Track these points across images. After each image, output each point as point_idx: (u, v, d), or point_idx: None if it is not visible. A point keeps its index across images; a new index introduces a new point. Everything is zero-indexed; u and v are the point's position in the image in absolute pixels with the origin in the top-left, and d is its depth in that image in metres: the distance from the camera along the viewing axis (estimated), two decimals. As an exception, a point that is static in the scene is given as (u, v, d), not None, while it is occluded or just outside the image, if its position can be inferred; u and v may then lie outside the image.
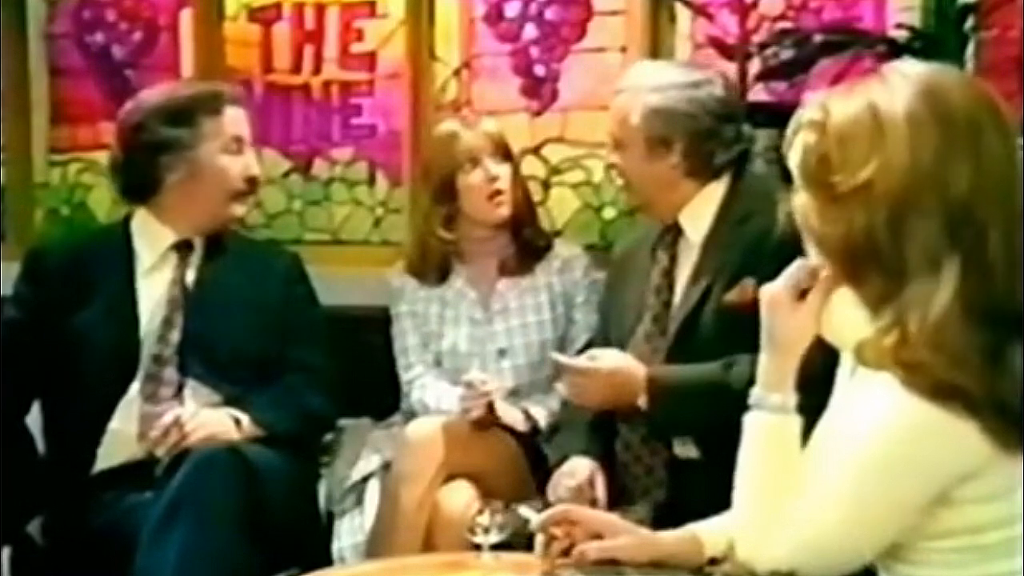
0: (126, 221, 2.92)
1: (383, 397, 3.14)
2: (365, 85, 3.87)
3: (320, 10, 3.88)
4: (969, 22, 3.05)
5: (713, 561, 1.87)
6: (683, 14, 3.50)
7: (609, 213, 3.66)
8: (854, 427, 1.58)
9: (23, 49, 4.07)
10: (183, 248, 2.86)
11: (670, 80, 2.64)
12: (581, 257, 3.12)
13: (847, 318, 1.65)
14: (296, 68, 3.92)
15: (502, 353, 3.04)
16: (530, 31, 3.70)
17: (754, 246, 2.46)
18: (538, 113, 3.68)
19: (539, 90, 3.70)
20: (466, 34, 3.74)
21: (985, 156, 1.56)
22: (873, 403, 1.56)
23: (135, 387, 2.74)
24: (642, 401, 2.53)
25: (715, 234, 2.58)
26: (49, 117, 4.11)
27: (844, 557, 1.62)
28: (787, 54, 3.16)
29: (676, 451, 2.58)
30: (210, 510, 2.44)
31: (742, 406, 1.77)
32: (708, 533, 1.87)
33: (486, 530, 2.17)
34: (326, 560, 2.79)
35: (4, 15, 4.02)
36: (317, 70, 3.90)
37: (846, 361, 1.73)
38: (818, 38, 3.15)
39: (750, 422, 1.73)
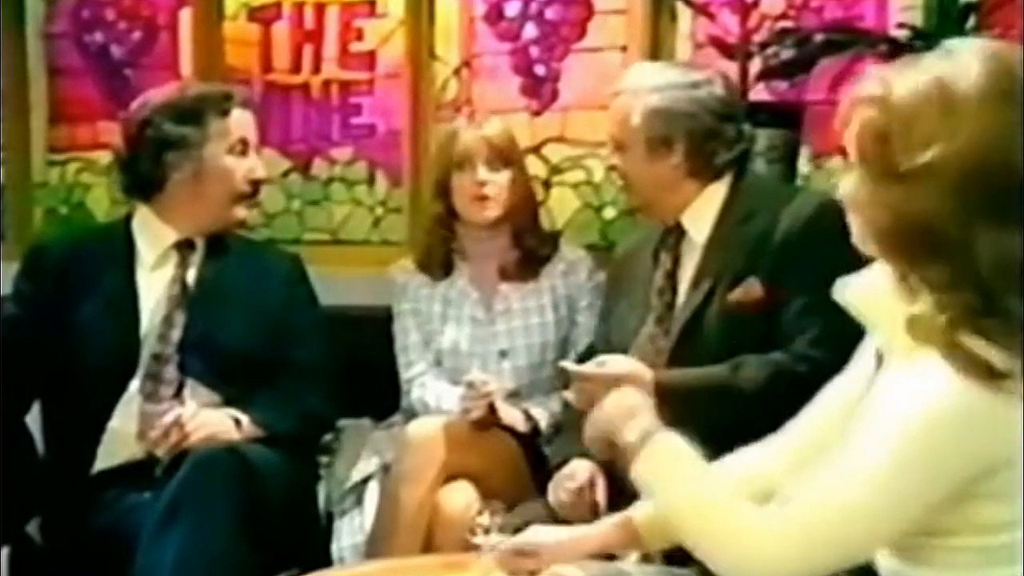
0: (127, 219, 2.92)
1: (383, 397, 3.14)
2: (365, 85, 3.86)
3: (320, 9, 3.88)
4: (970, 21, 3.05)
5: None
6: (684, 13, 3.50)
7: (609, 213, 3.65)
8: (896, 410, 1.54)
9: (22, 48, 4.07)
10: (184, 247, 2.85)
11: (670, 80, 2.63)
12: (585, 260, 3.11)
13: (883, 298, 1.61)
14: (295, 68, 3.92)
15: (503, 354, 3.03)
16: (530, 30, 3.70)
17: (757, 246, 2.46)
18: (538, 113, 3.68)
19: (539, 89, 3.70)
20: (466, 33, 3.73)
21: None
22: (920, 385, 1.52)
23: (135, 385, 2.74)
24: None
25: (717, 234, 2.57)
26: (48, 116, 4.11)
27: (861, 543, 1.58)
28: (788, 53, 3.16)
29: None
30: (210, 510, 2.44)
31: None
32: (645, 519, 1.82)
33: (486, 531, 2.17)
34: (326, 560, 2.79)
35: (3, 14, 4.02)
36: (317, 69, 3.90)
37: (870, 344, 1.71)
38: (819, 37, 3.14)
39: None
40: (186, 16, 3.97)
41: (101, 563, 2.58)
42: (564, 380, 2.64)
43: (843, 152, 1.65)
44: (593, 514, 2.56)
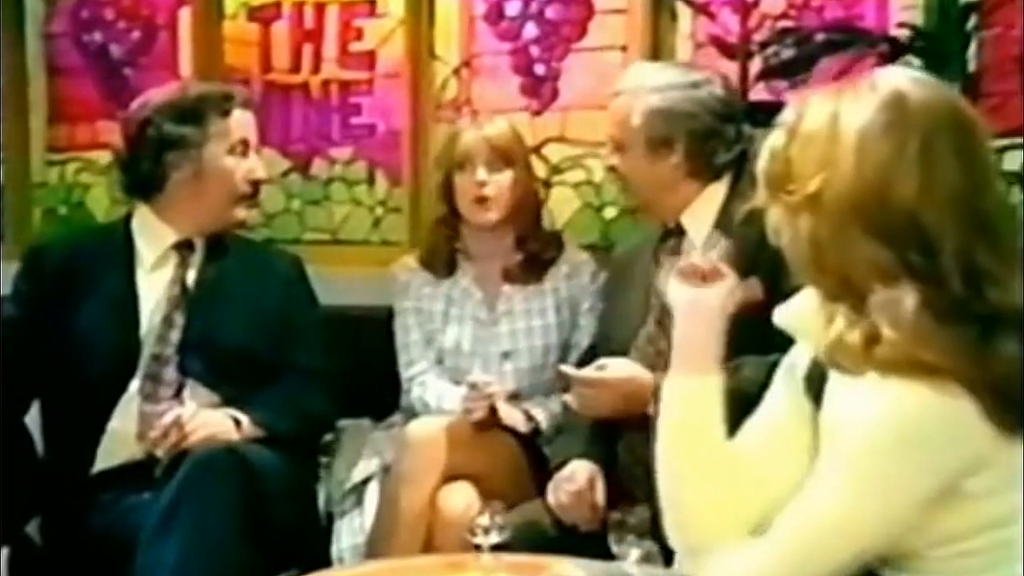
0: (127, 219, 2.91)
1: (383, 397, 3.13)
2: (364, 84, 3.86)
3: (319, 9, 3.88)
4: (971, 21, 3.04)
5: None
6: (684, 13, 3.49)
7: (610, 213, 3.65)
8: (848, 430, 1.55)
9: (21, 48, 4.07)
10: (184, 248, 2.85)
11: (670, 80, 2.63)
12: (589, 263, 3.10)
13: (814, 318, 1.64)
14: (295, 67, 3.91)
15: (505, 355, 3.03)
16: (530, 30, 3.69)
17: (757, 246, 2.45)
18: (538, 112, 3.67)
19: (539, 89, 3.69)
20: (466, 33, 3.73)
21: (937, 171, 1.55)
22: (863, 401, 1.54)
23: (134, 386, 2.73)
24: (652, 409, 2.51)
25: (717, 235, 2.57)
26: (47, 116, 4.11)
27: (844, 562, 1.58)
28: (788, 53, 3.15)
29: None
30: (209, 511, 2.44)
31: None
32: None
33: (486, 531, 2.17)
34: (326, 561, 2.79)
35: (2, 14, 4.02)
36: (316, 69, 3.90)
37: (791, 363, 1.73)
38: (820, 37, 3.14)
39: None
40: (185, 15, 3.97)
41: (100, 563, 2.58)
42: (564, 384, 2.64)
43: None
44: (593, 516, 2.56)
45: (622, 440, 2.63)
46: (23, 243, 3.82)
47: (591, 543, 2.45)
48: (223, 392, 2.74)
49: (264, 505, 2.53)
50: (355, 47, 3.86)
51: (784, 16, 3.41)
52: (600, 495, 2.58)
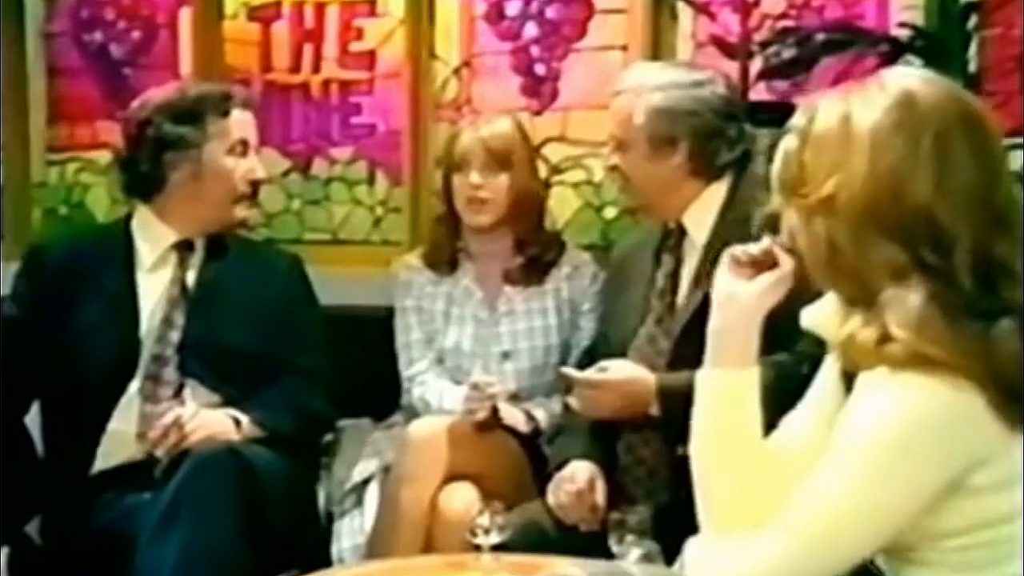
0: (127, 220, 2.91)
1: (383, 397, 3.13)
2: (365, 84, 3.86)
3: (319, 9, 3.87)
4: (971, 21, 3.04)
5: None
6: (685, 12, 3.49)
7: (610, 213, 3.65)
8: (856, 423, 1.56)
9: (21, 48, 4.06)
10: (184, 248, 2.85)
11: (672, 79, 2.63)
12: (590, 264, 3.09)
13: (835, 320, 1.65)
14: (295, 67, 3.91)
15: (506, 355, 3.02)
16: (531, 30, 3.69)
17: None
18: (539, 112, 3.67)
19: (540, 89, 3.69)
20: (466, 33, 3.73)
21: (951, 168, 1.55)
22: (873, 396, 1.55)
23: (134, 387, 2.73)
24: (654, 410, 2.51)
25: (718, 235, 2.57)
26: (47, 116, 4.10)
27: (844, 557, 1.58)
28: (789, 53, 3.15)
29: (680, 452, 2.56)
30: (210, 511, 2.43)
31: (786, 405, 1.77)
32: None
33: (486, 531, 2.17)
34: (326, 561, 2.78)
35: (2, 13, 4.01)
36: (316, 69, 3.89)
37: (832, 364, 1.73)
38: (820, 37, 3.14)
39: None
40: (186, 15, 3.96)
41: (100, 564, 2.57)
42: (566, 385, 2.64)
43: None
44: (593, 516, 2.56)
45: (622, 440, 2.63)
46: (23, 243, 3.82)
47: (591, 543, 2.45)
48: (223, 392, 2.74)
49: (264, 505, 2.53)
50: (355, 47, 3.86)
51: (784, 16, 3.41)
52: (600, 495, 2.58)
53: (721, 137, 2.59)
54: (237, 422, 2.69)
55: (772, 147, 3.01)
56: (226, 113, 2.82)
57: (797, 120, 1.64)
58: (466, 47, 3.74)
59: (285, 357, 2.84)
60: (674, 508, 2.45)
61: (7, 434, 2.72)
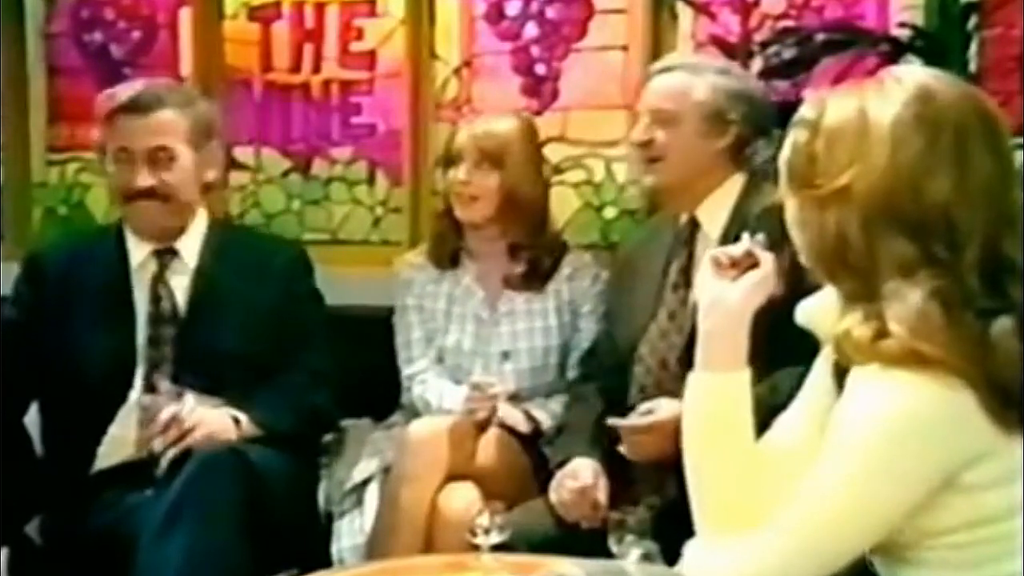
0: (120, 222, 2.90)
1: (383, 397, 3.13)
2: (365, 84, 3.86)
3: (320, 9, 3.87)
4: (972, 21, 3.04)
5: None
6: (685, 12, 3.49)
7: (610, 213, 3.65)
8: (847, 421, 1.56)
9: (21, 48, 4.06)
10: (165, 254, 2.82)
11: (728, 66, 2.71)
12: (591, 266, 3.09)
13: (831, 315, 1.64)
14: (296, 67, 3.91)
15: (505, 356, 3.02)
16: (531, 30, 3.69)
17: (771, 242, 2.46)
18: (539, 112, 3.66)
19: (540, 89, 3.69)
20: (466, 33, 3.73)
21: (970, 165, 1.56)
22: (865, 394, 1.55)
23: (133, 396, 2.73)
24: None
25: (732, 230, 2.56)
26: (47, 116, 4.10)
27: (838, 555, 1.58)
28: (789, 53, 3.15)
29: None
30: (212, 511, 2.43)
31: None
32: None
33: (486, 531, 2.17)
34: (326, 561, 2.78)
35: (2, 14, 4.01)
36: (317, 69, 3.89)
37: (825, 361, 1.73)
38: (820, 37, 3.14)
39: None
40: (186, 15, 3.96)
41: (100, 564, 2.57)
42: (614, 436, 2.60)
43: None
44: (595, 513, 2.56)
45: None
46: (23, 243, 3.83)
47: (591, 543, 2.45)
48: (222, 393, 2.73)
49: (266, 505, 2.53)
50: (355, 47, 3.86)
51: (784, 16, 3.41)
52: (602, 492, 2.58)
53: (766, 133, 2.61)
54: (236, 421, 2.68)
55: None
56: (111, 119, 2.77)
57: (806, 112, 1.64)
58: (466, 47, 3.74)
59: (286, 355, 2.82)
60: (674, 508, 2.46)
61: (6, 435, 2.72)
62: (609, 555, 2.35)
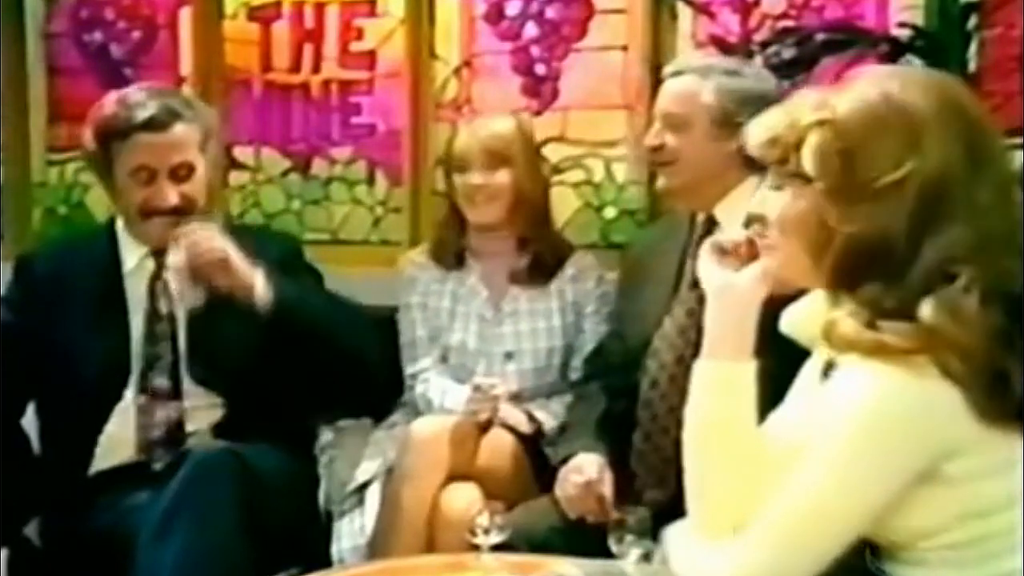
0: (111, 223, 2.88)
1: (384, 397, 3.12)
2: (365, 84, 3.86)
3: (320, 9, 3.87)
4: (971, 21, 3.04)
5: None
6: (685, 12, 3.49)
7: (609, 213, 3.65)
8: (824, 417, 1.57)
9: (21, 48, 4.07)
10: (162, 254, 2.81)
11: (738, 66, 2.68)
12: (595, 267, 3.09)
13: (819, 316, 1.64)
14: (295, 67, 3.91)
15: (509, 356, 3.02)
16: (531, 30, 3.69)
17: None
18: (539, 112, 3.66)
19: (540, 89, 3.69)
20: (466, 33, 3.72)
21: (988, 152, 1.58)
22: (841, 389, 1.56)
23: (129, 394, 2.73)
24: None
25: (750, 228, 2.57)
26: (47, 116, 4.11)
27: (828, 546, 1.58)
28: (789, 53, 3.14)
29: None
30: (210, 512, 2.43)
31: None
32: None
33: (486, 531, 2.17)
34: (326, 561, 2.78)
35: (2, 13, 4.01)
36: (316, 69, 3.89)
37: (814, 364, 1.73)
38: (820, 37, 3.13)
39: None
40: (186, 15, 3.97)
41: (100, 564, 2.57)
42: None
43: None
44: (600, 508, 2.56)
45: (639, 429, 2.63)
46: (23, 243, 3.84)
47: (591, 543, 2.45)
48: (222, 388, 2.74)
49: (264, 505, 2.52)
50: (355, 47, 3.86)
51: (784, 16, 3.41)
52: (608, 487, 2.58)
53: None
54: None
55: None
56: (126, 136, 2.70)
57: (815, 116, 1.61)
58: (466, 47, 3.73)
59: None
60: (676, 505, 2.46)
61: (4, 436, 2.72)
62: (609, 555, 2.35)
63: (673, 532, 1.74)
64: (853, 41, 3.09)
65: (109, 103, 2.76)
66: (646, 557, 2.10)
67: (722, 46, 3.29)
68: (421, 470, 2.77)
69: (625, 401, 2.68)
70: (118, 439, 2.71)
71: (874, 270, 1.57)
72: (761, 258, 1.71)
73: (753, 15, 3.34)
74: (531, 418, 2.92)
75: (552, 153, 3.66)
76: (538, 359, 3.02)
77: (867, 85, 1.61)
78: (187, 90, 3.74)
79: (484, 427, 2.84)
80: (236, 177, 3.91)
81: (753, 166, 2.61)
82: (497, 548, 2.19)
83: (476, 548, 2.19)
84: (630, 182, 3.58)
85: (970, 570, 1.58)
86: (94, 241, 2.90)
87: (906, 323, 1.52)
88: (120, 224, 2.85)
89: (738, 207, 2.61)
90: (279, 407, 2.75)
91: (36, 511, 2.76)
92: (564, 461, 2.65)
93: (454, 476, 2.78)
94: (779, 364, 1.77)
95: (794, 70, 3.18)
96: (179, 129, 2.71)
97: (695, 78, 2.64)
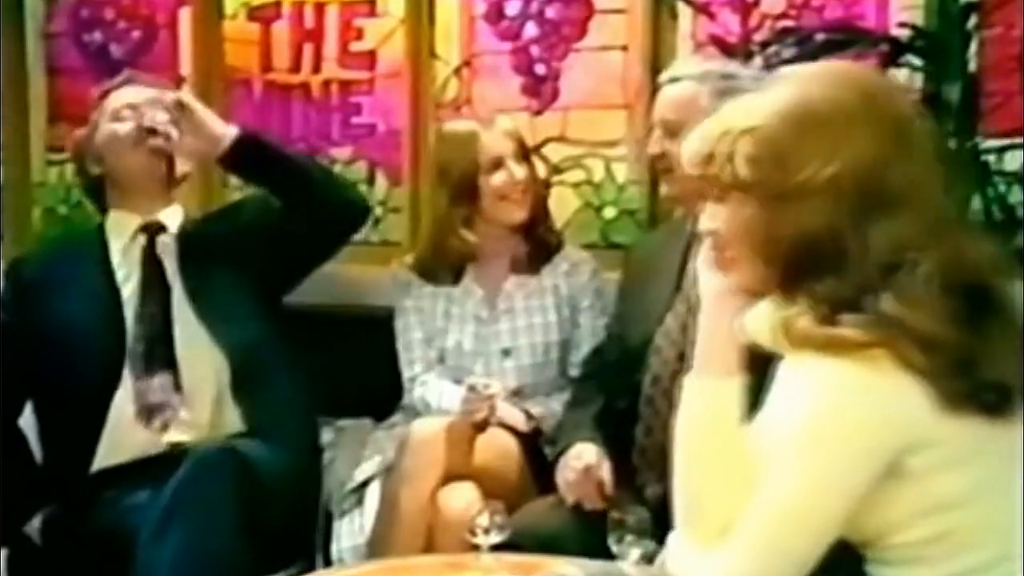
0: (100, 224, 2.99)
1: (383, 397, 3.13)
2: (365, 84, 3.85)
3: (319, 9, 3.87)
4: (971, 21, 3.04)
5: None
6: (684, 12, 3.48)
7: (609, 213, 3.64)
8: (783, 414, 1.57)
9: (21, 48, 4.06)
10: (153, 229, 2.89)
11: (736, 70, 2.68)
12: (588, 262, 3.11)
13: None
14: (295, 67, 3.90)
15: (506, 353, 3.03)
16: (531, 29, 3.68)
17: None
18: (538, 112, 3.66)
19: (540, 89, 3.68)
20: (466, 32, 3.72)
21: (915, 142, 1.60)
22: (795, 386, 1.56)
23: (123, 394, 2.74)
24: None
25: None
26: (47, 116, 4.10)
27: (806, 549, 1.57)
28: (789, 53, 3.13)
29: None
30: (209, 510, 2.44)
31: None
32: None
33: (486, 531, 2.17)
34: (326, 561, 2.78)
35: (2, 14, 4.01)
36: (316, 69, 3.89)
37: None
38: (820, 37, 3.12)
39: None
40: (186, 15, 3.96)
41: (100, 563, 2.58)
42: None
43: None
44: (599, 494, 2.56)
45: (641, 423, 2.64)
46: (23, 243, 3.84)
47: (591, 543, 2.45)
48: (221, 351, 2.78)
49: (263, 504, 2.53)
50: (355, 47, 3.85)
51: (784, 16, 3.40)
52: (606, 472, 2.59)
53: None
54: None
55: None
56: (105, 95, 2.99)
57: (740, 124, 1.63)
58: (466, 47, 3.73)
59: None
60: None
61: (3, 435, 2.73)
62: (609, 555, 2.36)
63: (672, 538, 1.74)
64: (853, 41, 3.09)
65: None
66: (646, 557, 2.10)
67: (722, 46, 3.29)
68: (418, 470, 2.77)
69: (626, 398, 2.68)
70: (123, 421, 2.73)
71: (825, 266, 1.58)
72: (726, 274, 1.71)
73: (753, 15, 3.33)
74: (529, 416, 2.92)
75: (552, 153, 3.65)
76: (535, 355, 3.03)
77: (790, 87, 1.63)
78: (187, 90, 3.74)
79: (482, 427, 2.84)
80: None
81: None
82: (497, 548, 2.19)
83: (476, 548, 2.19)
84: (630, 182, 3.57)
85: (937, 566, 1.58)
86: (82, 238, 3.00)
87: (864, 316, 1.52)
88: (107, 220, 2.95)
89: None
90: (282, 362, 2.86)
91: (36, 510, 2.77)
92: (562, 451, 2.66)
93: (452, 476, 2.78)
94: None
95: (794, 70, 3.19)
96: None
97: (692, 84, 2.65)
